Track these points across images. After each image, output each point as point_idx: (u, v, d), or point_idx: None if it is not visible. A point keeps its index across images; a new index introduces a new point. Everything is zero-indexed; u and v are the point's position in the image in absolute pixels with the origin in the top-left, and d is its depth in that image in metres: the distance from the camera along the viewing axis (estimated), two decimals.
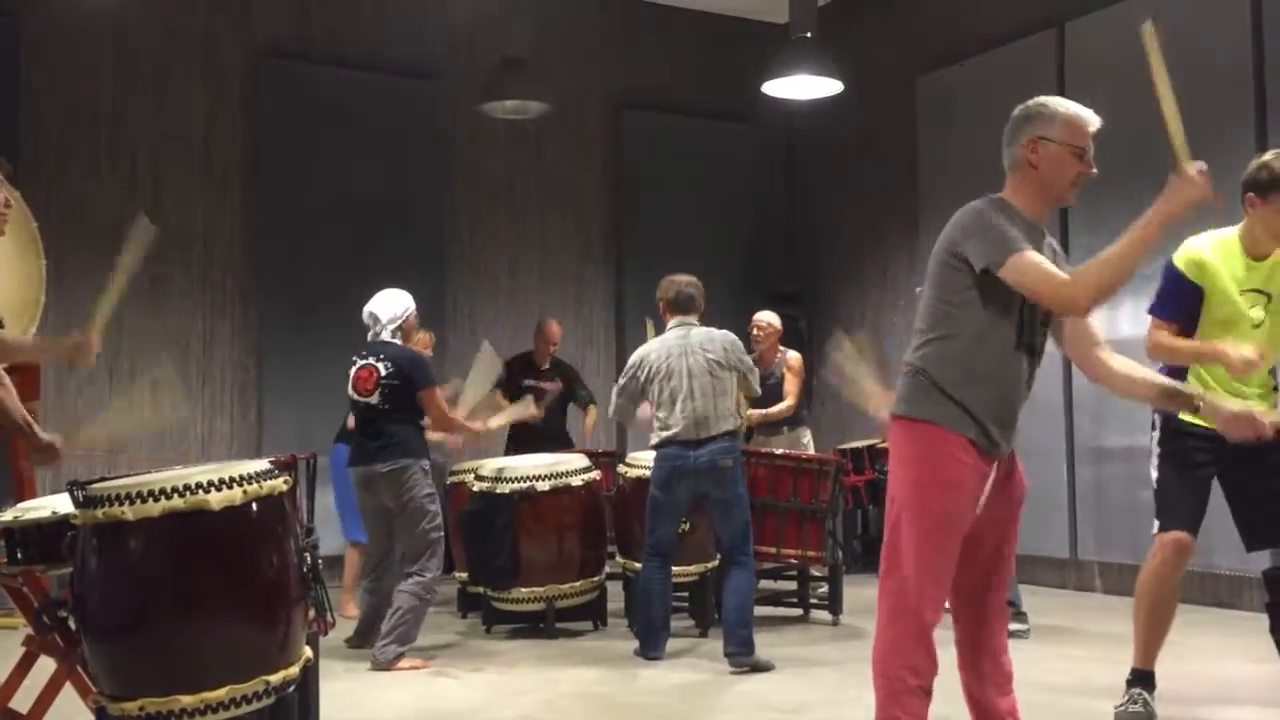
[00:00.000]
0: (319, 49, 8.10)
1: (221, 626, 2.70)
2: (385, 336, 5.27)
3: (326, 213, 7.97)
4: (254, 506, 2.74)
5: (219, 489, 2.67)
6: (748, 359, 5.32)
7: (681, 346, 5.12)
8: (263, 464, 2.87)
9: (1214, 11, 6.50)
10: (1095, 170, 2.91)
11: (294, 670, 2.80)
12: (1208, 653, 5.05)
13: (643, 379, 5.15)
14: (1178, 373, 3.78)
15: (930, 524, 2.79)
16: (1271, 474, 3.75)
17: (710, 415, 5.03)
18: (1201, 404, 2.91)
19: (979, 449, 2.81)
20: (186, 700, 2.63)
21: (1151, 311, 3.91)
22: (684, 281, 5.29)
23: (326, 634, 3.68)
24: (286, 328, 7.81)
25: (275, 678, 2.72)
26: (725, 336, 5.22)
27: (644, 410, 5.26)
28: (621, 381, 5.28)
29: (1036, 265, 2.72)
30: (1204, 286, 3.79)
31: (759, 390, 5.49)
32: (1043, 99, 2.96)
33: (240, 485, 2.71)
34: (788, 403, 6.71)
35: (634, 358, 5.28)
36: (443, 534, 5.25)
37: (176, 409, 3.63)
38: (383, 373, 5.17)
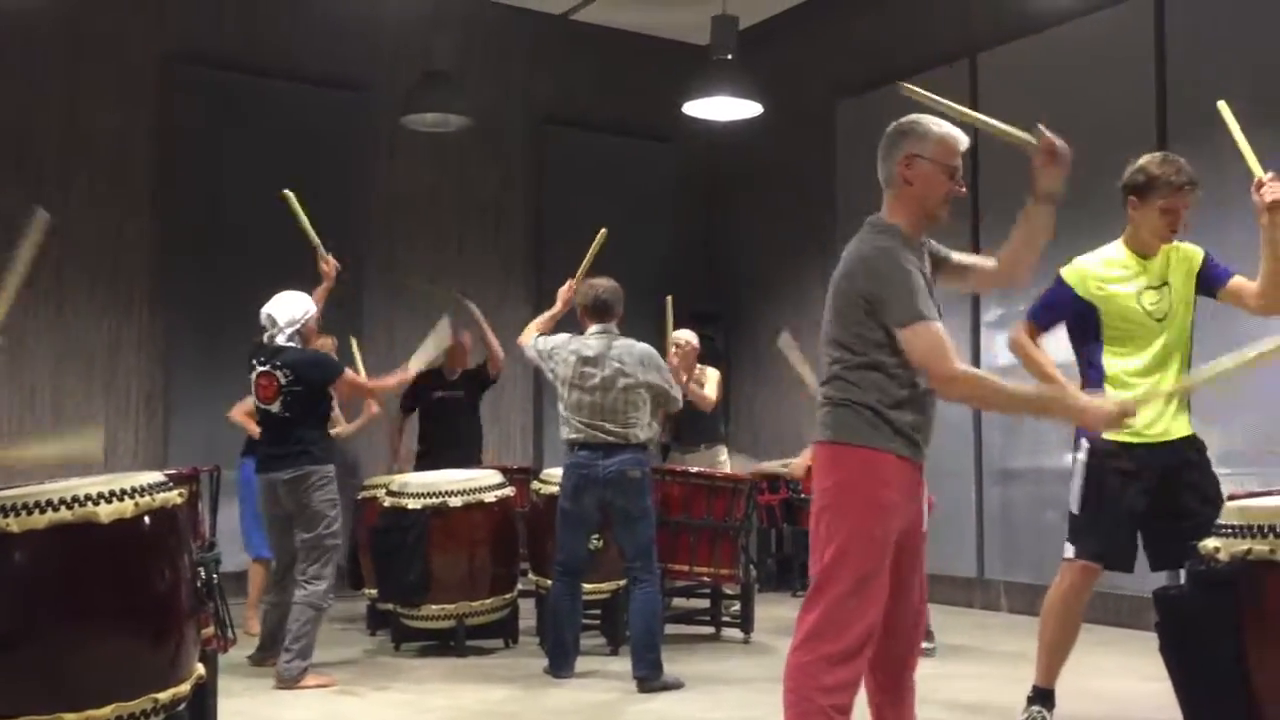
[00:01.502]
0: (235, 55, 7.97)
1: (108, 642, 2.62)
2: (282, 340, 5.15)
3: (240, 221, 7.82)
4: (146, 520, 2.67)
5: (109, 501, 2.60)
6: (668, 374, 5.27)
7: (599, 357, 5.07)
8: (156, 476, 2.79)
9: (1118, 51, 6.69)
10: (964, 189, 3.01)
11: (185, 688, 2.72)
12: (1106, 671, 5.15)
13: (551, 372, 5.12)
14: (1095, 380, 3.86)
15: (865, 549, 2.82)
16: (1188, 491, 3.82)
17: (620, 427, 5.02)
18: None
19: (911, 465, 2.88)
20: (70, 718, 2.55)
21: (1029, 315, 4.02)
22: (603, 287, 5.22)
23: (226, 651, 3.61)
24: (195, 337, 7.65)
25: (164, 695, 2.64)
26: (644, 351, 5.18)
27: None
28: (532, 353, 5.23)
29: (929, 341, 2.82)
30: (1097, 306, 3.89)
31: (679, 403, 5.45)
32: (916, 117, 3.02)
33: (131, 498, 2.63)
34: (710, 394, 6.65)
35: (555, 344, 5.16)
36: (339, 543, 5.17)
37: (87, 452, 3.58)
38: (282, 381, 5.07)
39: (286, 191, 5.55)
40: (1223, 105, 3.80)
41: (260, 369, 5.13)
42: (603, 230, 5.50)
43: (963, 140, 3.00)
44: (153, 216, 7.72)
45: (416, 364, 5.64)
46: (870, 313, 2.87)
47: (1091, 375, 3.91)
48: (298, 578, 5.07)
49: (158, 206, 7.73)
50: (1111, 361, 3.89)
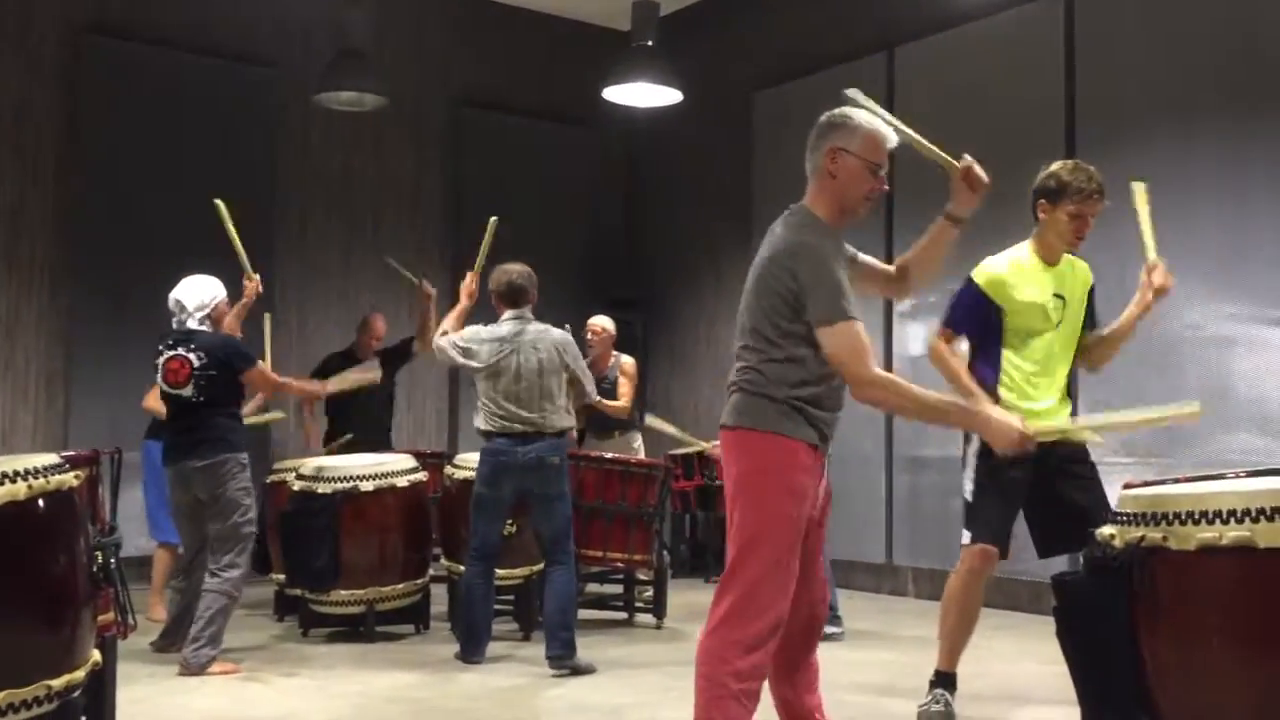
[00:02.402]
0: (146, 28, 7.75)
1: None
2: (192, 325, 5.05)
3: (148, 197, 7.63)
4: (40, 503, 2.58)
5: (0, 483, 2.51)
6: (582, 363, 5.27)
7: (514, 343, 5.06)
8: (51, 458, 2.71)
9: (1030, 48, 6.83)
10: (887, 187, 3.04)
11: (80, 674, 2.65)
12: (1007, 655, 5.28)
13: (473, 366, 5.06)
14: (991, 373, 3.96)
15: (780, 533, 2.85)
16: (1074, 486, 3.95)
17: (538, 414, 5.01)
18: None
19: (817, 454, 2.91)
20: None
21: (945, 323, 4.08)
22: (515, 272, 5.20)
23: (126, 637, 3.52)
24: (99, 315, 7.44)
25: (58, 682, 2.56)
26: (560, 337, 5.18)
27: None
28: (454, 353, 5.07)
29: (851, 341, 2.85)
30: (1003, 305, 3.98)
31: (593, 395, 5.47)
32: (846, 110, 3.04)
33: (24, 480, 2.54)
34: (623, 403, 6.72)
35: (470, 337, 5.10)
36: (254, 531, 5.08)
37: None
38: (196, 364, 4.96)
39: (217, 201, 5.48)
40: (1138, 187, 3.93)
41: (170, 353, 5.00)
42: (493, 219, 5.50)
43: (890, 138, 3.03)
44: (56, 192, 7.49)
45: (334, 385, 5.71)
46: (795, 308, 2.89)
47: (987, 373, 4.00)
48: (210, 566, 4.97)
49: (61, 181, 7.51)
50: (1009, 357, 3.99)
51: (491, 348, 5.06)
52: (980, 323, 4.01)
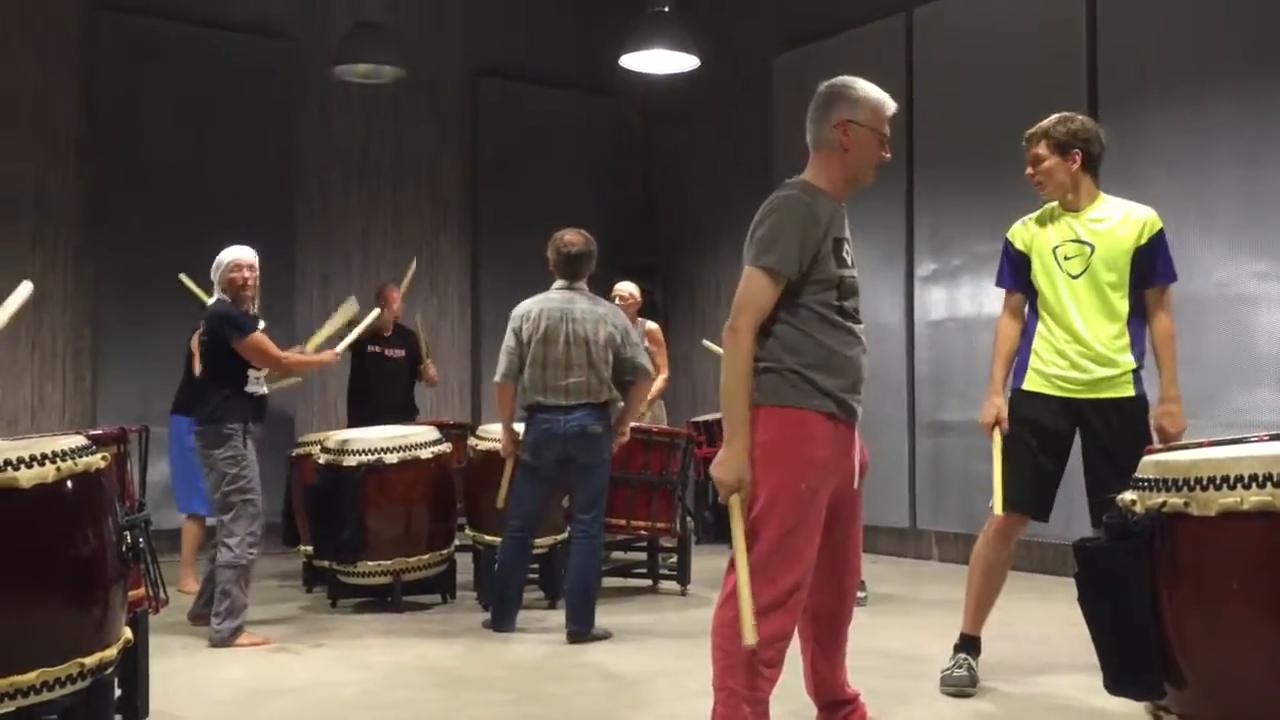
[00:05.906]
0: (161, 2, 7.76)
1: (32, 608, 2.58)
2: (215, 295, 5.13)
3: (169, 173, 7.67)
4: (69, 484, 2.62)
5: (30, 466, 2.54)
6: (635, 340, 5.17)
7: (563, 311, 5.04)
8: (79, 439, 2.75)
9: (1050, 7, 6.73)
10: (889, 155, 3.06)
11: (111, 652, 2.70)
12: (1031, 618, 5.29)
13: (524, 337, 5.05)
14: (1025, 342, 3.98)
15: (791, 502, 2.85)
16: (1126, 453, 3.86)
17: (583, 384, 4.98)
18: None
19: (837, 421, 2.90)
20: None
21: (998, 284, 4.14)
22: (573, 244, 5.12)
23: (158, 611, 3.58)
24: (124, 292, 7.51)
25: (91, 660, 2.62)
26: (613, 315, 5.11)
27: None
28: (509, 342, 5.11)
29: (749, 287, 2.86)
30: (1032, 254, 3.98)
31: (651, 371, 5.30)
32: (846, 80, 3.03)
33: (53, 462, 2.58)
34: (662, 376, 6.68)
35: (517, 314, 5.12)
36: (252, 498, 4.97)
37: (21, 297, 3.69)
38: (202, 334, 5.08)
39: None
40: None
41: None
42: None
43: (891, 105, 3.04)
44: (80, 167, 7.55)
45: (340, 347, 5.67)
46: None
47: (1024, 352, 3.99)
48: (217, 539, 5.02)
49: (84, 160, 7.55)
50: (1042, 316, 3.96)
51: (538, 318, 5.04)
52: (1024, 277, 3.99)
